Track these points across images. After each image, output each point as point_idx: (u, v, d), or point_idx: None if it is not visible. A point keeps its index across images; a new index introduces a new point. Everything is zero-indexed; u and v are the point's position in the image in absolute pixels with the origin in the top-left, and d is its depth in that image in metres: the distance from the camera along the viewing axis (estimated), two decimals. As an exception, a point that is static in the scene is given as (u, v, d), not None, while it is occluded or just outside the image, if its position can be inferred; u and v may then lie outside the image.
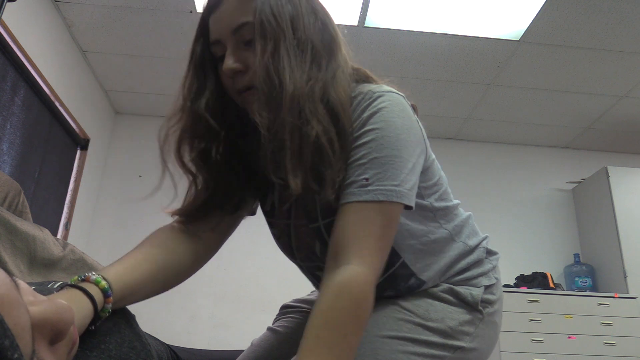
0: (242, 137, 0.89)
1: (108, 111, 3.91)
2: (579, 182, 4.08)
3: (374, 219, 0.73)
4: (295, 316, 1.06)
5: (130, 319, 0.67)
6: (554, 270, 3.81)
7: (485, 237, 0.97)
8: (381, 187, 0.74)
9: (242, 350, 1.04)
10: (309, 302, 1.08)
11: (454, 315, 0.85)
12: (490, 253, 0.96)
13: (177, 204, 0.88)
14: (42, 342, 0.36)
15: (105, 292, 0.64)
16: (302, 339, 0.66)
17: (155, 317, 3.40)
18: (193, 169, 0.85)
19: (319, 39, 0.81)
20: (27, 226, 1.54)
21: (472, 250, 0.92)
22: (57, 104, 3.07)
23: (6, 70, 2.55)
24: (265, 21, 0.77)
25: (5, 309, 0.32)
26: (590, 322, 3.21)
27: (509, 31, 2.93)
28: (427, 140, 0.86)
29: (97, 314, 0.61)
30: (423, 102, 3.67)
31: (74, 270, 1.78)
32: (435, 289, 0.87)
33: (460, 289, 0.88)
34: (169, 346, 0.91)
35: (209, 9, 0.83)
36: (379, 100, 0.79)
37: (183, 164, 0.85)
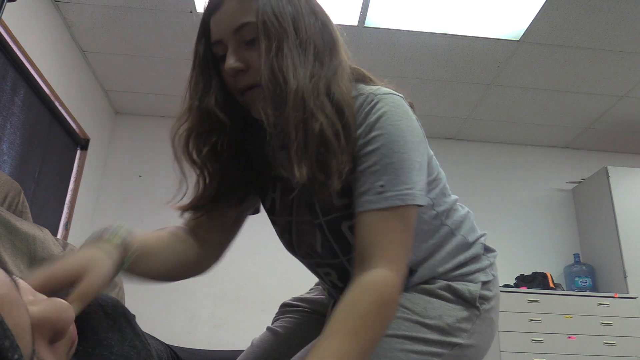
0: (245, 135, 0.91)
1: (108, 111, 3.91)
2: (579, 182, 4.08)
3: (395, 225, 0.76)
4: (295, 316, 1.06)
5: (130, 318, 0.67)
6: (554, 270, 3.81)
7: (484, 234, 0.98)
8: (397, 193, 0.76)
9: (242, 350, 1.04)
10: (309, 301, 1.08)
11: (451, 312, 0.85)
12: (488, 250, 0.97)
13: (181, 204, 0.90)
14: (42, 342, 0.36)
15: (122, 244, 0.73)
16: (327, 323, 0.69)
17: (155, 317, 3.40)
18: (202, 163, 0.88)
19: (320, 38, 0.84)
20: (27, 226, 1.54)
21: (470, 245, 0.93)
22: (57, 104, 3.07)
23: (6, 70, 2.55)
24: (268, 21, 0.79)
25: (6, 309, 0.32)
26: (590, 322, 3.21)
27: (509, 31, 2.93)
28: (425, 137, 0.88)
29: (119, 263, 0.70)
30: (423, 102, 3.67)
31: (74, 270, 1.78)
32: (432, 286, 0.88)
33: (458, 285, 0.88)
34: (169, 346, 0.91)
35: (209, 10, 0.85)
36: (381, 103, 0.80)
37: (193, 161, 0.88)
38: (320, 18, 0.85)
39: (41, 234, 1.61)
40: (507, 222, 3.99)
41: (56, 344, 0.38)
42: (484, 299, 0.89)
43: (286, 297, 1.12)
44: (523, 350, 3.10)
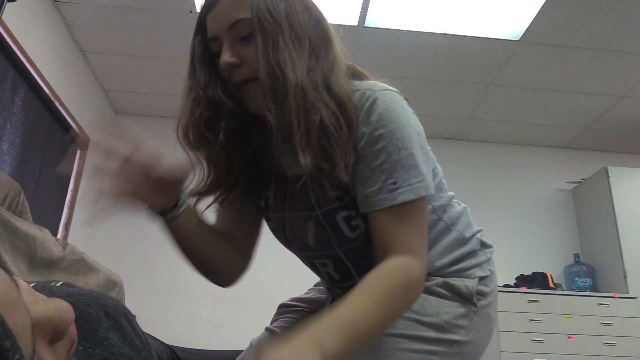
0: (250, 130, 0.92)
1: (108, 111, 3.91)
2: (579, 182, 4.08)
3: (412, 219, 0.79)
4: (293, 316, 1.06)
5: (131, 318, 0.67)
6: (554, 270, 3.81)
7: (480, 230, 0.98)
8: (409, 187, 0.79)
9: (242, 350, 1.04)
10: (307, 301, 1.08)
11: (448, 309, 0.85)
12: (484, 245, 0.97)
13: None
14: (42, 342, 0.36)
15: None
16: (354, 288, 0.72)
17: (155, 317, 3.40)
18: (211, 148, 0.88)
19: (315, 34, 0.85)
20: (27, 226, 1.55)
21: (466, 240, 0.93)
22: (57, 104, 3.07)
23: (6, 70, 2.55)
24: (262, 17, 0.81)
25: (6, 309, 0.31)
26: (590, 322, 3.21)
27: (509, 31, 2.93)
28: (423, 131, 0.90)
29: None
30: (423, 102, 3.67)
31: (74, 270, 1.78)
32: (429, 283, 0.88)
33: (455, 282, 0.88)
34: (169, 346, 0.91)
35: (206, 8, 0.87)
36: (380, 100, 0.81)
37: (205, 144, 0.88)
38: (314, 14, 0.87)
39: (41, 234, 1.61)
40: (507, 222, 3.99)
41: (56, 344, 0.38)
42: (481, 294, 0.89)
43: (286, 297, 1.12)
44: (523, 350, 3.10)
